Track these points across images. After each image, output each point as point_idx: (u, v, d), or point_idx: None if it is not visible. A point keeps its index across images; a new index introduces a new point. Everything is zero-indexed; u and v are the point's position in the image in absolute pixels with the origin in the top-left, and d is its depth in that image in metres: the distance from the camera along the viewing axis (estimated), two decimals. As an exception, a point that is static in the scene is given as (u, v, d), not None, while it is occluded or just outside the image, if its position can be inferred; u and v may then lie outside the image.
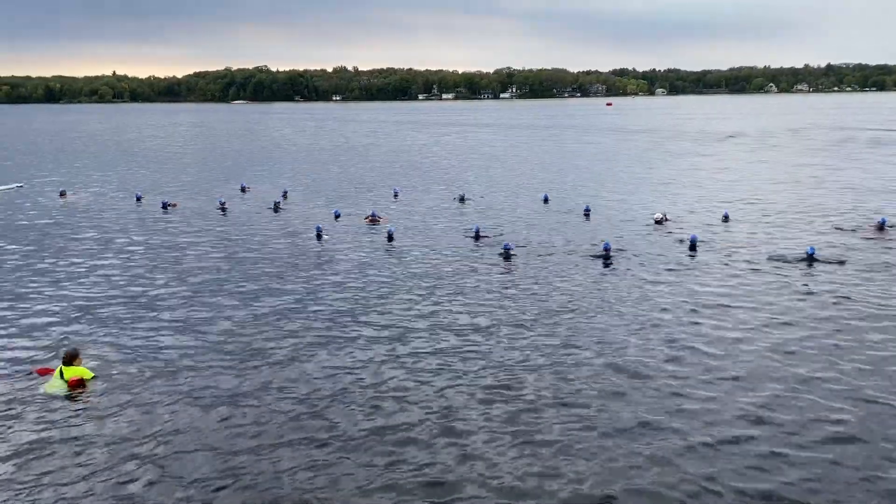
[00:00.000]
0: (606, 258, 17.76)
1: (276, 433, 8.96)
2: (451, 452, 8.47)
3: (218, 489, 7.77)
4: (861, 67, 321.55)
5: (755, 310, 13.69)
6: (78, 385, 10.34)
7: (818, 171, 37.28)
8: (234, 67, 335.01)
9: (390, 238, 20.72)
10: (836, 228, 21.33)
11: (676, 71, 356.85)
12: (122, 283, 16.49)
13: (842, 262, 17.06)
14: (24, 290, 15.91)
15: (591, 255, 18.24)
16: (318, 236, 21.11)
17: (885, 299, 14.21)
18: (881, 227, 20.54)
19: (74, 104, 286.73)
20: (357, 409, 9.65)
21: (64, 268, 18.02)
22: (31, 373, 10.94)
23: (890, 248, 18.69)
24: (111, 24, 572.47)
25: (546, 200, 27.92)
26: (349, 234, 22.11)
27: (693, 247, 18.81)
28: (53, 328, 13.20)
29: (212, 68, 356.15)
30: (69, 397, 10.11)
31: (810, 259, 17.12)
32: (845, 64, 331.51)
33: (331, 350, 11.86)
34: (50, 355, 11.71)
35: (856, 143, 55.00)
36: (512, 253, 18.50)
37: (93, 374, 10.65)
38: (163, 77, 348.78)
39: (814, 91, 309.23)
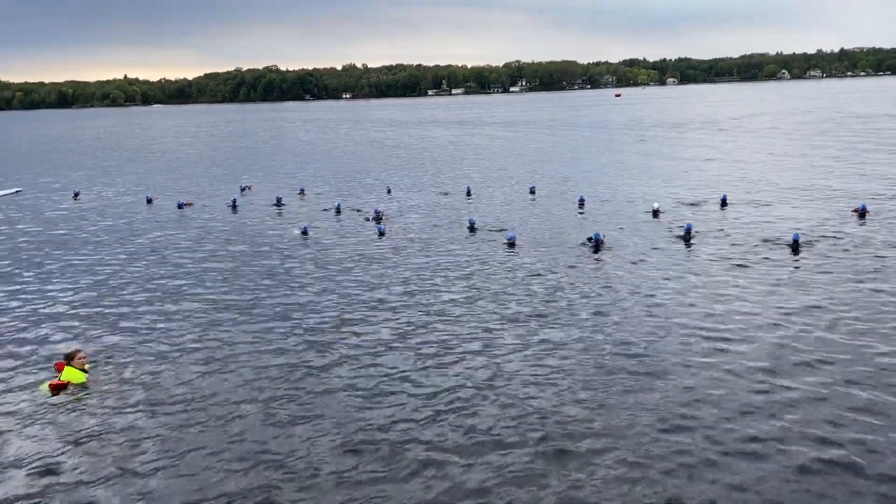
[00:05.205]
0: (597, 249, 18.15)
1: (277, 436, 9.10)
2: (456, 446, 8.73)
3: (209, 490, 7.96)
4: (875, 51, 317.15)
5: (744, 298, 14.06)
6: (57, 389, 10.46)
7: (808, 155, 37.46)
8: (244, 68, 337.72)
9: (381, 234, 21.15)
10: (855, 212, 21.44)
11: (688, 60, 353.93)
12: (132, 283, 17.07)
13: (826, 248, 17.45)
14: (39, 289, 16.57)
15: (585, 246, 18.64)
16: (304, 233, 21.69)
17: (873, 285, 14.59)
18: (862, 212, 20.92)
19: (87, 108, 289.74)
20: (351, 401, 10.07)
21: (74, 267, 18.67)
22: (53, 366, 11.29)
23: (871, 233, 18.97)
24: (121, 29, 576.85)
25: (532, 191, 28.46)
26: (344, 230, 22.62)
27: (688, 235, 19.17)
28: (61, 326, 13.74)
29: (222, 69, 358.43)
30: (57, 398, 10.34)
31: (795, 245, 17.53)
32: (859, 48, 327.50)
33: (328, 348, 12.25)
34: (53, 353, 12.15)
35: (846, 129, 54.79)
36: (516, 243, 19.01)
37: (84, 378, 10.72)
38: (174, 79, 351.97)
39: (827, 76, 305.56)
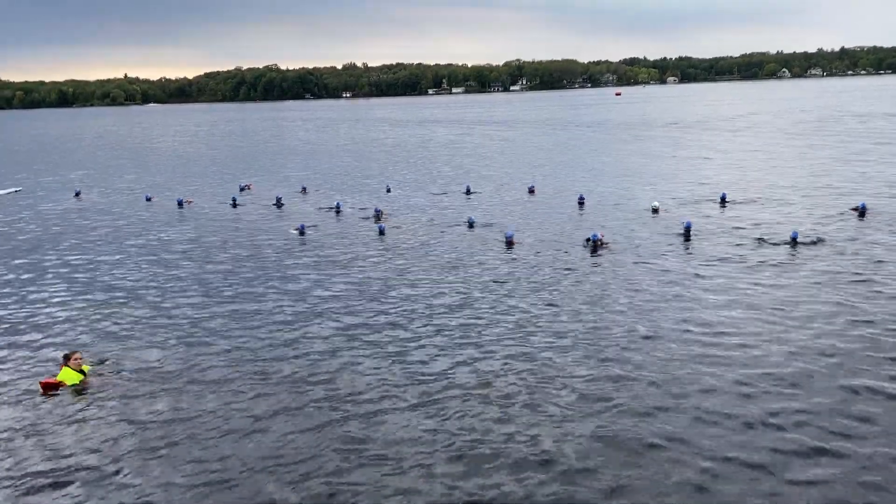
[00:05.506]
0: (595, 249, 18.07)
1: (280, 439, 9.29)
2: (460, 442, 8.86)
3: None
4: (875, 50, 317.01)
5: (743, 295, 14.09)
6: (48, 388, 10.45)
7: (807, 153, 37.47)
8: (245, 67, 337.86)
9: (381, 233, 21.17)
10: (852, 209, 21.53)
11: (688, 58, 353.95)
12: (131, 283, 17.10)
13: (825, 247, 17.45)
14: (38, 289, 16.59)
15: (583, 246, 18.64)
16: (301, 232, 21.71)
17: (871, 283, 14.61)
18: (862, 211, 20.95)
19: (87, 107, 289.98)
20: (349, 401, 10.11)
21: (74, 267, 18.67)
22: (60, 363, 11.18)
23: (871, 232, 18.97)
24: (122, 28, 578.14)
25: (532, 191, 28.50)
26: (344, 229, 22.65)
27: (687, 233, 19.16)
28: (60, 326, 13.75)
29: (222, 69, 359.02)
30: (53, 399, 10.34)
31: (794, 242, 17.58)
32: (859, 47, 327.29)
33: (325, 347, 12.28)
34: (50, 353, 12.16)
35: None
36: (514, 241, 19.02)
37: (79, 379, 10.68)
38: (174, 78, 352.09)
39: (828, 75, 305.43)
